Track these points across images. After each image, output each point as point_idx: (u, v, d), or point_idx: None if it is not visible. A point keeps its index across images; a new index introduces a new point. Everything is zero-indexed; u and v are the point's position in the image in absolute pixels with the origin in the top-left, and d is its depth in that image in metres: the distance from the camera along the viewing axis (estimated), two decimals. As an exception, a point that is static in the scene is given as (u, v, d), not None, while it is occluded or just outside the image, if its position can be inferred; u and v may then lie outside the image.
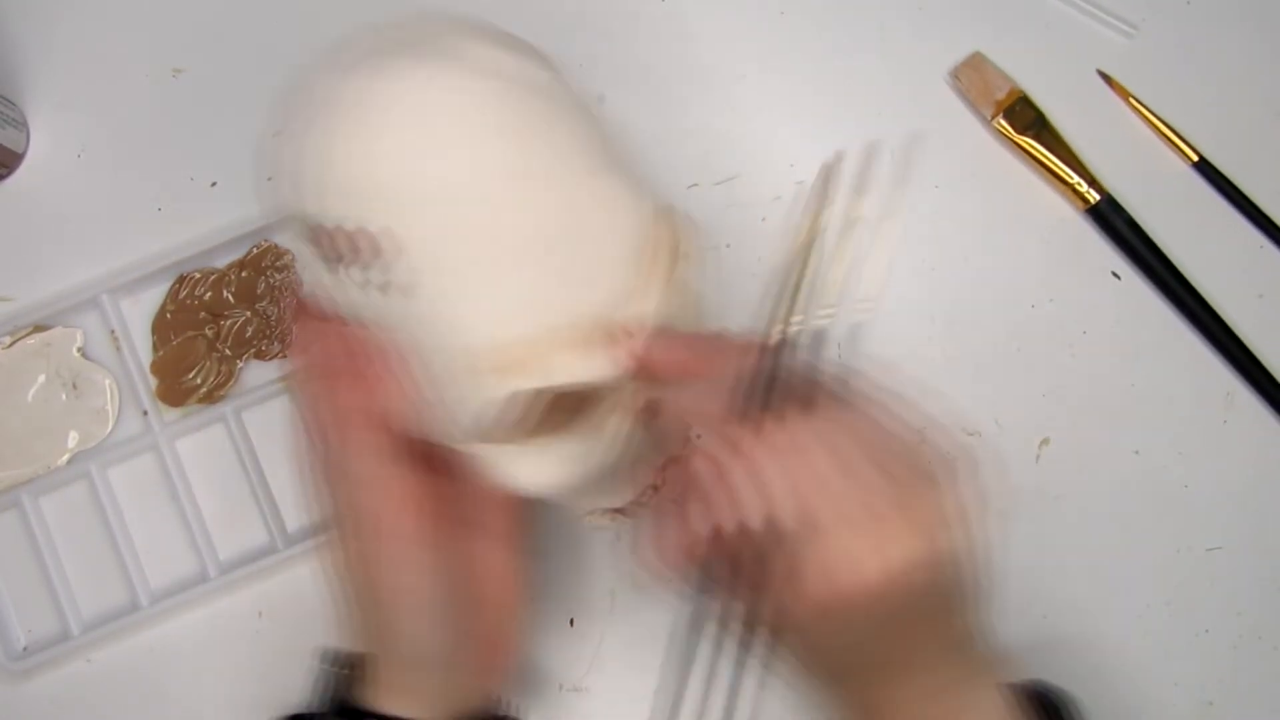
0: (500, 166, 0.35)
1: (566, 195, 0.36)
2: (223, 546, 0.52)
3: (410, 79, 0.35)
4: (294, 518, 0.52)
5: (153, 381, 0.53)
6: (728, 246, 0.54)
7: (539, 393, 0.36)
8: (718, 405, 0.34)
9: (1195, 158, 0.55)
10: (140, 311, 0.54)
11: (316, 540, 0.51)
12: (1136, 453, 0.53)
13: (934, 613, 0.33)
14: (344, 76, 0.35)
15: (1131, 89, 0.56)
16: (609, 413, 0.39)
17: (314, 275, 0.38)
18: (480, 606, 0.40)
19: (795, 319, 0.35)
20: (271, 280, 0.54)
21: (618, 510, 0.44)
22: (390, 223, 0.34)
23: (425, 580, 0.38)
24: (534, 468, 0.38)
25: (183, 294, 0.54)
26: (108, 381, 0.53)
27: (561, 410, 0.38)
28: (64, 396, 0.53)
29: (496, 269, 0.35)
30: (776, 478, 0.31)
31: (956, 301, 0.53)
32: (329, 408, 0.38)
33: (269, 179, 0.57)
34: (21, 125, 0.55)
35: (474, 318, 0.35)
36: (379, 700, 0.39)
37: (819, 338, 0.35)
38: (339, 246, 0.36)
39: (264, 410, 0.53)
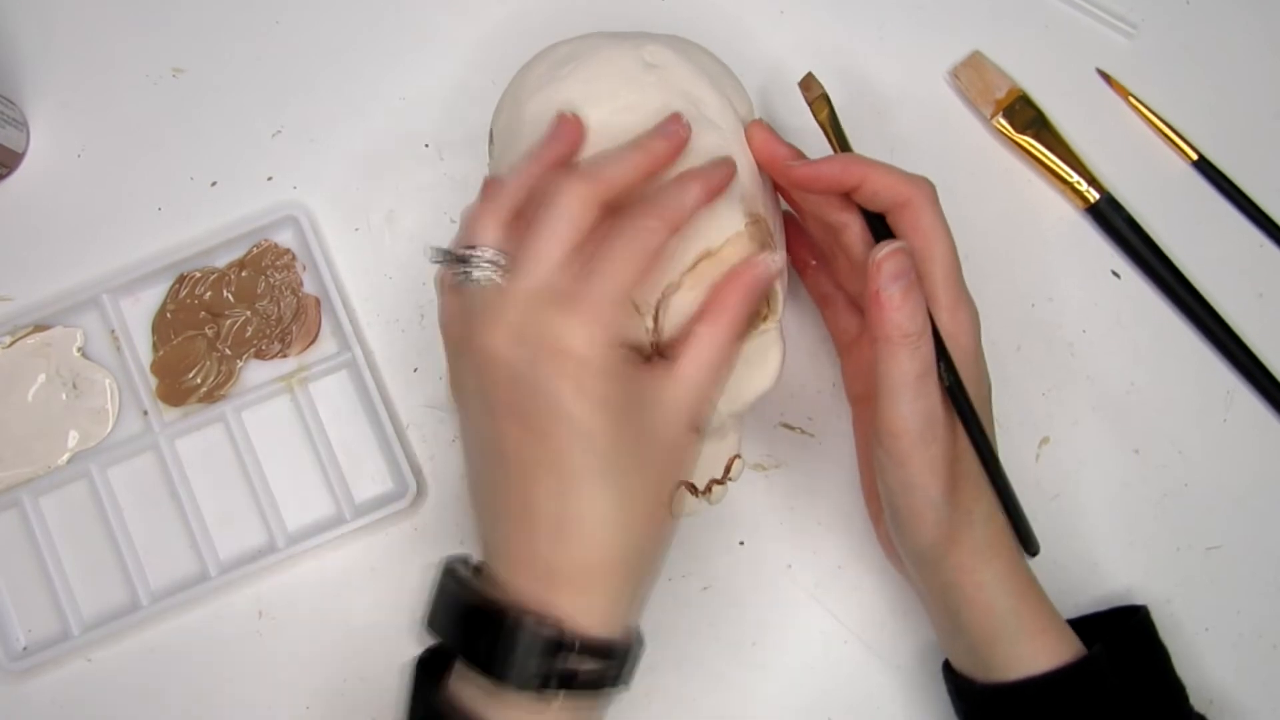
0: (614, 130, 0.42)
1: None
2: (223, 546, 0.52)
3: (593, 55, 0.45)
4: (294, 517, 0.53)
5: (153, 381, 0.53)
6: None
7: None
8: None
9: (1195, 157, 0.55)
10: (140, 311, 0.54)
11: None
12: (1136, 453, 0.53)
13: None
14: (564, 43, 0.46)
15: (1131, 88, 0.56)
16: None
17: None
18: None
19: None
20: (271, 280, 0.54)
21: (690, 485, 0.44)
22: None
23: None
24: None
25: (183, 294, 0.54)
26: (108, 381, 0.53)
27: None
28: (64, 396, 0.53)
29: None
30: None
31: (956, 301, 0.53)
32: None
33: (269, 179, 0.57)
34: (21, 125, 0.55)
35: None
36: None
37: None
38: None
39: (264, 410, 0.53)
